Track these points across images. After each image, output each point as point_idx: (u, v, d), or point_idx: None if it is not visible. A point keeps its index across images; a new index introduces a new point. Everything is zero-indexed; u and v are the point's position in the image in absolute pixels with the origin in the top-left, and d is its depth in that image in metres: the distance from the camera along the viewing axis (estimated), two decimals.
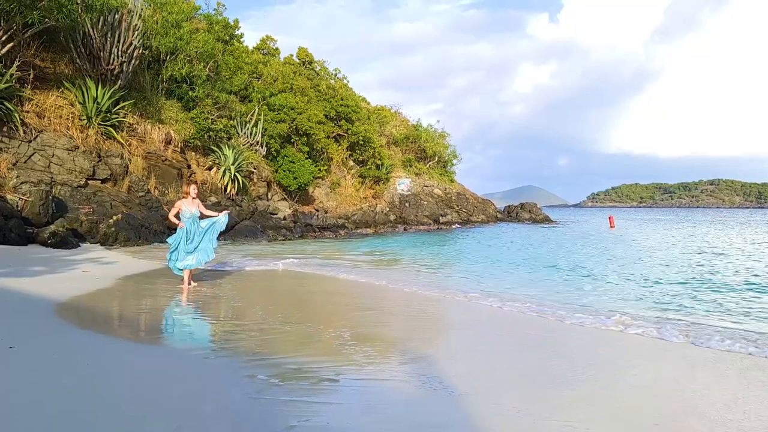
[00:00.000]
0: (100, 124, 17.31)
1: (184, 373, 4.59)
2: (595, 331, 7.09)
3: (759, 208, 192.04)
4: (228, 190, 22.45)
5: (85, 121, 17.03)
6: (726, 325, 7.48)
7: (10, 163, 14.58)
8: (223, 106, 24.40)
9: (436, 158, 42.92)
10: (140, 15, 18.98)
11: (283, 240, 21.11)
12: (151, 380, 4.33)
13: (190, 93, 22.11)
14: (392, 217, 34.38)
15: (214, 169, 22.64)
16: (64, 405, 3.63)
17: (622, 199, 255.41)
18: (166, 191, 19.38)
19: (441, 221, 37.47)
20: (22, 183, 14.47)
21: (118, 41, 18.14)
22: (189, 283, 9.15)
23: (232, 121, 24.60)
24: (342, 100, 32.93)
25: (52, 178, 15.43)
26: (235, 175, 22.47)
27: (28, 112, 15.55)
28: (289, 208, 25.47)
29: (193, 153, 22.36)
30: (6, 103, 14.47)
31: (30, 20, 14.80)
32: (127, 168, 17.99)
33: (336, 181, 32.00)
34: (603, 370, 5.30)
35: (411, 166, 40.40)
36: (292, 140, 27.85)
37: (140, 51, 19.09)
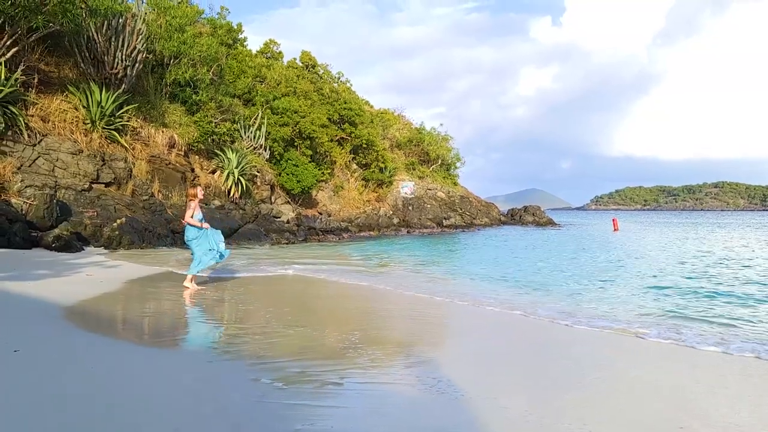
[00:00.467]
0: (104, 128, 17.36)
1: (187, 377, 4.58)
2: (601, 333, 7.06)
3: (764, 210, 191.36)
4: (231, 194, 22.48)
5: (89, 125, 17.09)
6: (734, 330, 7.43)
7: (15, 166, 14.63)
8: (226, 110, 24.45)
9: (440, 161, 42.91)
10: (144, 19, 19.04)
11: (287, 243, 21.11)
12: (154, 383, 4.32)
13: (193, 97, 22.16)
14: (395, 221, 34.36)
15: (218, 172, 22.68)
16: (66, 406, 3.62)
17: (626, 202, 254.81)
18: (170, 195, 19.41)
19: (444, 224, 37.43)
20: (26, 187, 14.51)
21: (122, 45, 18.20)
22: (190, 281, 9.23)
23: (235, 125, 24.63)
24: (345, 103, 32.97)
25: (56, 181, 15.48)
26: (238, 178, 22.50)
27: (32, 116, 15.60)
28: (293, 211, 25.48)
29: (197, 156, 22.40)
30: (11, 107, 14.53)
31: (34, 24, 14.87)
32: (131, 172, 18.03)
33: (339, 184, 32.01)
34: (608, 373, 5.27)
35: (414, 170, 40.39)
36: (296, 144, 27.88)
37: (144, 55, 19.15)
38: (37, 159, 15.23)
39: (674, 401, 4.41)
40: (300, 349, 5.60)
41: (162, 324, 6.86)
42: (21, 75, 15.06)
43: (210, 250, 9.43)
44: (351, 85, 40.55)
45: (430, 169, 41.88)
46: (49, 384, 4.06)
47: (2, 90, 14.15)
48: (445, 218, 38.39)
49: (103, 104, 17.20)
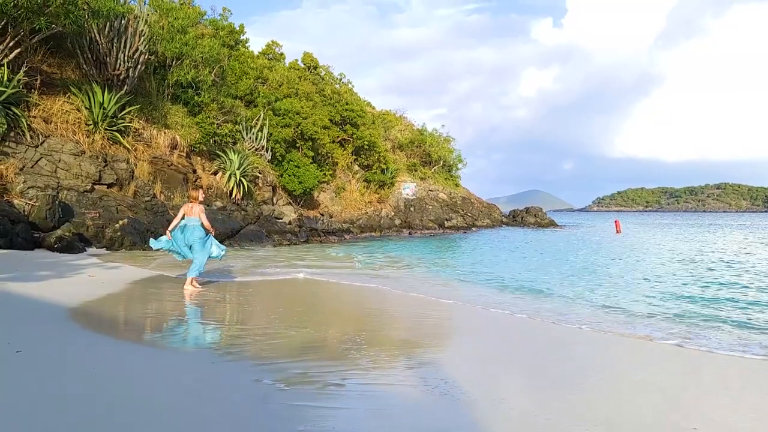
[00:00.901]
0: (106, 129, 17.38)
1: (190, 377, 4.58)
2: (605, 335, 7.04)
3: (766, 212, 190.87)
4: (233, 195, 22.49)
5: (92, 126, 17.11)
6: (744, 332, 7.41)
7: (17, 168, 14.65)
8: (228, 111, 24.47)
9: (441, 162, 42.89)
10: (146, 21, 19.07)
11: (288, 244, 21.11)
12: (155, 383, 4.32)
13: (195, 98, 22.18)
14: (397, 222, 34.36)
15: (220, 173, 22.69)
16: (68, 406, 3.62)
17: (628, 203, 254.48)
18: (172, 196, 19.43)
19: (446, 226, 37.42)
20: (28, 188, 14.54)
21: (125, 47, 18.23)
22: (191, 284, 9.24)
23: (237, 126, 24.65)
24: (347, 104, 32.98)
25: (58, 182, 15.50)
26: (240, 179, 22.52)
27: (35, 117, 15.63)
28: (294, 212, 25.49)
29: (199, 158, 22.42)
30: (13, 109, 14.56)
31: (37, 26, 14.90)
32: (133, 173, 18.06)
33: (341, 185, 32.02)
34: (612, 375, 5.26)
35: (416, 171, 40.37)
36: (297, 145, 27.89)
37: (146, 56, 19.17)
38: (39, 160, 15.25)
39: (676, 402, 4.40)
40: (301, 350, 5.59)
41: (165, 325, 6.87)
42: (23, 76, 15.09)
43: (210, 255, 9.49)
44: (353, 86, 40.59)
45: (432, 170, 41.86)
46: (51, 384, 4.06)
47: (5, 91, 14.17)
48: (446, 219, 38.37)
49: (105, 105, 17.22)
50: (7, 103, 14.33)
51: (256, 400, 4.03)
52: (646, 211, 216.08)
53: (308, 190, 27.04)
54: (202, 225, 9.46)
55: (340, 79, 39.59)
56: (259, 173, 24.62)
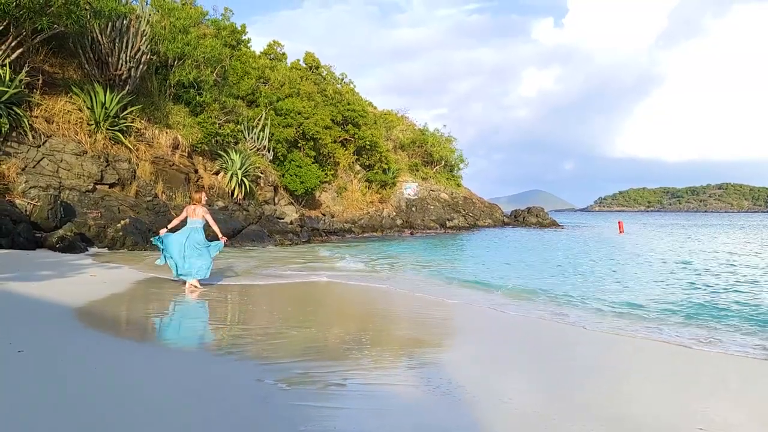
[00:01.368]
0: (108, 129, 17.39)
1: (192, 377, 4.57)
2: (607, 336, 7.03)
3: None
4: (235, 195, 22.50)
5: (93, 126, 17.12)
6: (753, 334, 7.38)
7: (19, 167, 14.67)
8: (230, 111, 24.47)
9: (443, 162, 42.84)
10: (148, 21, 19.08)
11: (290, 244, 21.11)
12: (157, 383, 4.31)
13: (197, 98, 22.20)
14: (399, 222, 34.34)
15: (221, 173, 22.70)
16: (69, 406, 3.62)
17: (630, 203, 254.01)
18: (174, 196, 19.45)
19: (448, 226, 37.40)
20: (30, 188, 14.56)
21: (126, 47, 18.24)
22: (196, 284, 9.29)
23: (239, 126, 24.66)
24: (348, 104, 32.97)
25: (60, 182, 15.52)
26: (242, 179, 22.52)
27: (36, 117, 15.65)
28: (296, 212, 25.48)
29: (201, 158, 22.44)
30: (15, 109, 14.57)
31: (39, 26, 14.92)
32: (135, 173, 18.07)
33: (343, 185, 32.02)
34: (614, 375, 5.24)
35: (417, 171, 40.33)
36: (299, 145, 27.89)
37: (148, 56, 19.18)
38: (41, 160, 15.27)
39: (680, 402, 4.39)
40: (303, 350, 5.59)
41: (165, 324, 6.87)
42: (25, 76, 15.11)
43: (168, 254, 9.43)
44: (354, 86, 40.56)
45: (434, 170, 41.82)
46: (52, 384, 4.06)
47: (7, 91, 14.19)
48: (448, 219, 38.35)
49: (107, 105, 17.24)
50: (9, 103, 14.35)
51: (257, 399, 4.03)
52: (648, 211, 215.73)
53: (310, 190, 27.04)
54: (205, 227, 9.49)
55: (342, 79, 39.59)
56: (261, 173, 24.63)
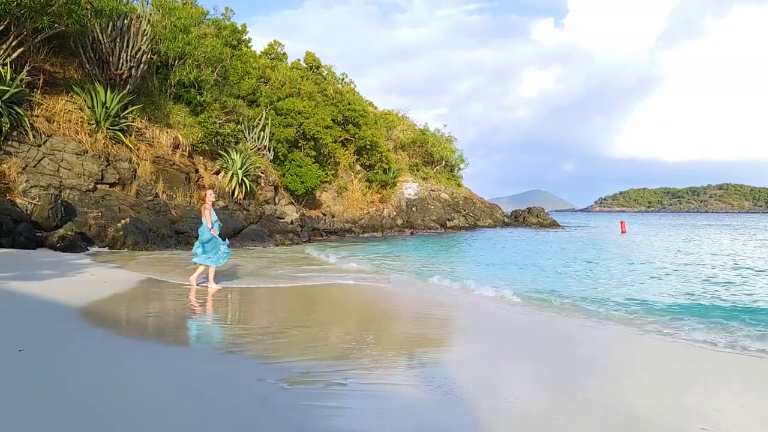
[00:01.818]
0: (108, 129, 17.39)
1: (193, 377, 4.57)
2: (610, 336, 7.02)
3: None
4: (235, 195, 22.49)
5: (94, 125, 17.12)
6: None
7: (20, 167, 14.67)
8: (230, 111, 24.46)
9: (443, 162, 42.83)
10: (149, 20, 19.07)
11: (290, 244, 21.11)
12: (158, 382, 4.31)
13: (198, 97, 22.19)
14: (399, 222, 34.34)
15: (222, 173, 22.70)
16: (70, 405, 3.61)
17: (630, 203, 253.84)
18: (174, 195, 19.44)
19: (448, 226, 37.40)
20: (31, 187, 14.55)
21: (127, 46, 18.24)
22: (197, 283, 9.38)
23: (239, 126, 24.65)
24: (349, 104, 32.96)
25: (61, 182, 15.51)
26: (242, 179, 22.51)
27: (37, 116, 15.64)
28: (297, 212, 25.48)
29: (201, 157, 22.43)
30: (16, 108, 14.57)
31: (40, 25, 14.91)
32: (135, 172, 18.06)
33: (343, 185, 32.01)
34: (616, 375, 5.24)
35: (418, 171, 40.32)
36: (300, 145, 27.89)
37: (149, 56, 19.18)
38: (42, 159, 15.27)
39: (684, 402, 4.38)
40: (304, 350, 5.59)
41: (166, 324, 6.86)
42: (26, 75, 15.11)
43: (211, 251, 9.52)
44: (355, 86, 40.56)
45: (434, 170, 41.82)
46: (52, 383, 4.06)
47: (8, 90, 14.18)
48: (448, 219, 38.35)
49: (107, 105, 17.23)
50: (9, 103, 14.35)
51: (258, 398, 4.02)
52: (648, 212, 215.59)
53: (310, 189, 27.04)
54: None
55: (342, 79, 39.58)
56: (262, 173, 24.62)
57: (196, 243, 9.52)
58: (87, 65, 17.78)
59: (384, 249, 21.06)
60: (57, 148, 15.75)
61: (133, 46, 18.39)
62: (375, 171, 34.09)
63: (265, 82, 29.53)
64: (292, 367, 4.85)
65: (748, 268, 15.35)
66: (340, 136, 31.57)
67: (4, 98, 14.11)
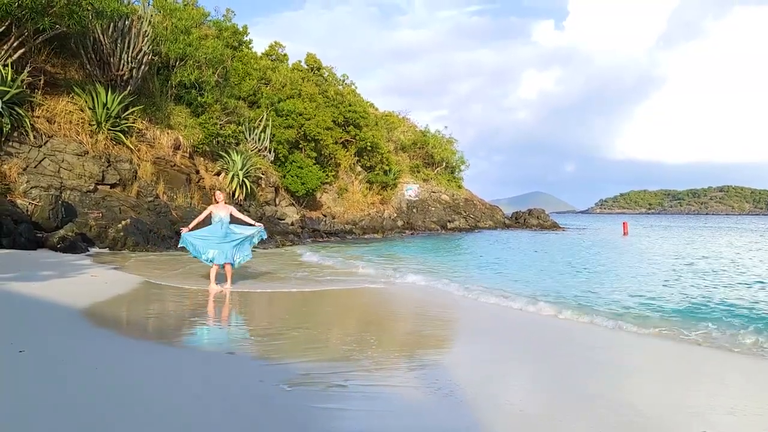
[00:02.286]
0: (109, 130, 17.39)
1: (194, 377, 4.56)
2: (613, 338, 7.01)
3: None
4: (236, 196, 22.49)
5: (95, 126, 17.12)
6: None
7: (21, 168, 14.67)
8: (231, 112, 24.48)
9: (444, 164, 42.83)
10: (150, 21, 19.09)
11: (291, 245, 21.11)
12: (159, 382, 4.30)
13: (199, 99, 22.20)
14: (400, 223, 34.34)
15: (223, 174, 22.70)
16: (70, 405, 3.60)
17: (631, 205, 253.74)
18: (175, 196, 19.44)
19: (448, 227, 37.40)
20: (32, 188, 14.55)
21: (128, 47, 18.25)
22: (215, 283, 9.48)
23: (240, 127, 24.66)
24: (350, 105, 32.97)
25: (61, 182, 15.51)
26: (243, 180, 22.52)
27: (38, 117, 15.65)
28: (297, 213, 25.48)
29: (202, 158, 22.43)
30: (17, 109, 14.57)
31: (41, 26, 14.91)
32: (136, 173, 18.06)
33: (344, 186, 32.01)
34: (619, 376, 5.22)
35: (419, 172, 40.33)
36: (300, 146, 27.90)
37: (150, 57, 19.19)
38: (42, 160, 15.27)
39: (685, 403, 4.37)
40: (305, 351, 5.58)
41: (166, 325, 6.85)
42: (27, 76, 15.11)
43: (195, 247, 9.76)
44: (356, 87, 40.57)
45: (435, 172, 41.82)
46: (53, 383, 4.05)
47: (9, 91, 14.19)
48: (449, 221, 38.35)
49: (108, 106, 17.24)
50: (10, 103, 14.35)
51: (259, 400, 4.01)
52: (649, 214, 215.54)
53: (311, 191, 27.04)
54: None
55: (343, 80, 39.61)
56: (262, 174, 24.62)
57: (231, 244, 9.68)
58: (88, 66, 17.79)
59: (397, 250, 21.04)
60: (58, 148, 15.75)
61: (134, 47, 18.40)
62: (376, 172, 34.09)
63: (266, 84, 29.56)
64: (292, 368, 4.84)
65: (749, 270, 15.34)
66: (340, 138, 31.58)
67: (5, 99, 14.11)
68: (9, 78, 14.32)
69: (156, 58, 20.39)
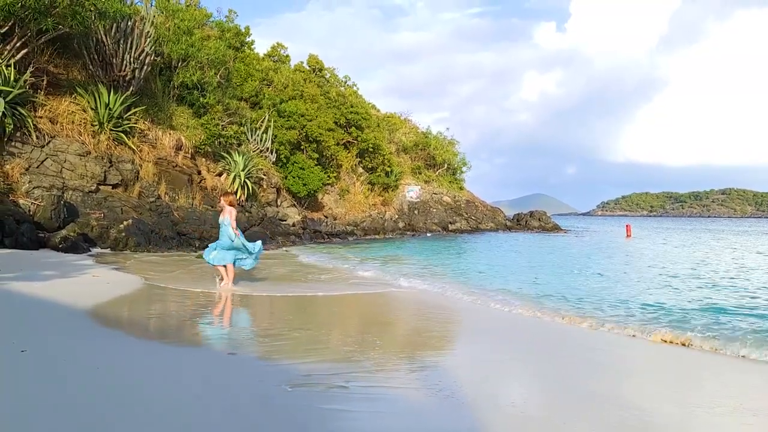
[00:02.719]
0: (111, 130, 17.41)
1: (195, 377, 4.55)
2: (615, 338, 6.99)
3: None
4: (237, 197, 22.50)
5: (97, 126, 17.14)
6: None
7: (23, 168, 14.69)
8: (233, 113, 24.51)
9: (446, 166, 42.84)
10: (153, 22, 19.12)
11: (292, 245, 21.12)
12: (160, 382, 4.29)
13: (201, 99, 22.23)
14: (401, 225, 34.36)
15: (224, 175, 22.72)
16: (70, 405, 3.60)
17: (632, 207, 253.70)
18: (177, 197, 19.45)
19: (450, 229, 37.40)
20: (34, 188, 14.58)
21: (131, 48, 18.28)
22: (231, 284, 9.65)
23: (242, 128, 24.69)
24: (352, 107, 33.01)
25: (63, 183, 15.53)
26: (244, 181, 22.54)
27: (41, 117, 15.68)
28: (299, 214, 25.49)
29: (204, 159, 22.45)
30: (19, 109, 14.60)
31: (44, 27, 14.94)
32: (138, 174, 18.08)
33: (345, 187, 32.03)
34: (621, 377, 5.21)
35: (420, 174, 40.35)
36: (302, 147, 27.92)
37: (152, 58, 19.21)
38: (45, 160, 15.29)
39: (681, 403, 4.36)
40: (306, 352, 5.57)
41: (167, 325, 6.85)
42: (30, 77, 15.14)
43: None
44: (357, 88, 40.61)
45: (436, 173, 41.83)
46: (53, 383, 4.04)
47: (11, 91, 14.21)
48: (450, 223, 38.35)
49: (110, 106, 17.26)
50: (13, 104, 14.38)
51: (259, 400, 4.00)
52: (650, 216, 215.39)
53: (312, 192, 27.06)
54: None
55: (345, 82, 39.65)
56: (264, 175, 24.64)
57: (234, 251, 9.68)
58: (90, 67, 17.82)
59: (398, 252, 21.04)
60: (60, 149, 15.78)
61: (136, 48, 18.43)
62: (377, 174, 34.11)
63: (267, 85, 29.59)
64: (293, 369, 4.84)
65: (753, 274, 15.30)
66: (342, 139, 31.60)
67: (7, 99, 14.14)
68: (12, 78, 14.35)
69: (158, 58, 20.42)
